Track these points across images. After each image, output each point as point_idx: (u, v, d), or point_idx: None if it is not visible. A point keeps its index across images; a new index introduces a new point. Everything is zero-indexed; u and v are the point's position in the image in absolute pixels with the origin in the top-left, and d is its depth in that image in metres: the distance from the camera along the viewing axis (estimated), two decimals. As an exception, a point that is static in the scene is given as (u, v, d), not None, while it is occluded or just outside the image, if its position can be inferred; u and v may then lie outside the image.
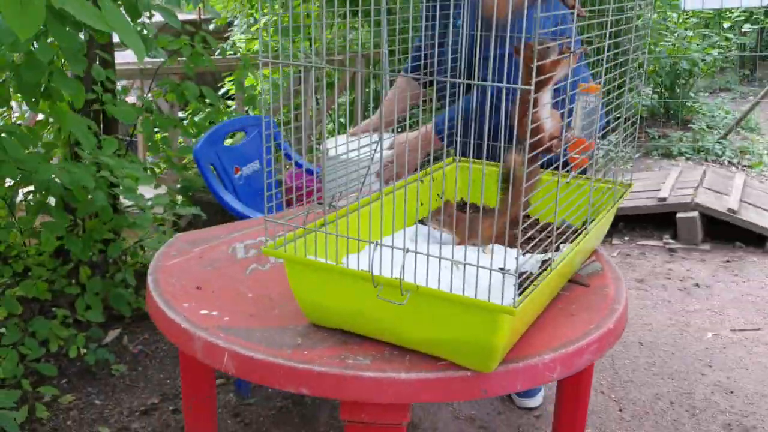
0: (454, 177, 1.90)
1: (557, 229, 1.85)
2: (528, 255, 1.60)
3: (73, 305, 2.87)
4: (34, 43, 2.45)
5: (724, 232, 4.36)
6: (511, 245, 1.59)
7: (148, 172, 3.50)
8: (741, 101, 8.89)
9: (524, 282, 1.28)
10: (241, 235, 1.83)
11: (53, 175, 2.46)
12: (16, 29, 0.96)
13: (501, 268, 1.45)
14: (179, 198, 3.82)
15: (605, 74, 1.45)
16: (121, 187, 2.69)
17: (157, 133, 3.51)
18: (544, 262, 1.51)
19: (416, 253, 1.19)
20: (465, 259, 1.16)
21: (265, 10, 4.96)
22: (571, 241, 1.50)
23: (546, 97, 1.32)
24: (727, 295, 3.70)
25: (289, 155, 2.84)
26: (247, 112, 4.98)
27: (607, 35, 1.37)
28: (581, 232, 1.52)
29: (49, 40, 2.45)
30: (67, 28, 2.37)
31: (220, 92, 6.59)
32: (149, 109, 3.53)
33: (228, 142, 3.08)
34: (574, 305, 1.49)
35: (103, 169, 2.61)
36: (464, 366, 1.22)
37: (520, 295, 1.25)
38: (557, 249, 1.64)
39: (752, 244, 4.31)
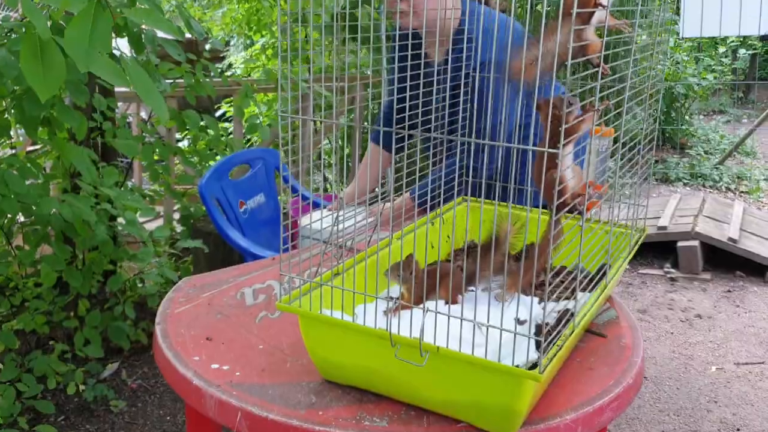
0: (465, 218, 1.87)
1: (569, 273, 1.83)
2: (545, 303, 1.57)
3: (71, 339, 2.83)
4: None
5: (725, 260, 4.36)
6: (528, 293, 1.57)
7: (147, 199, 3.47)
8: (735, 124, 8.93)
9: (545, 336, 1.25)
10: (249, 278, 1.80)
11: (55, 209, 2.42)
12: (38, 90, 0.94)
13: (519, 321, 1.42)
14: (176, 226, 3.79)
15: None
16: (123, 220, 2.66)
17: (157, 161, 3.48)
18: (563, 312, 1.48)
19: (436, 312, 1.16)
20: (488, 319, 1.14)
21: (265, 33, 4.92)
22: (589, 289, 1.48)
23: (569, 157, 1.30)
24: (729, 327, 3.68)
25: (295, 188, 2.82)
26: (248, 141, 4.96)
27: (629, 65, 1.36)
28: (599, 279, 1.49)
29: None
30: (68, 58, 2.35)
31: (217, 114, 6.58)
32: (150, 134, 3.50)
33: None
34: (593, 358, 1.46)
35: (102, 201, 2.58)
36: (485, 429, 1.19)
37: (543, 353, 1.22)
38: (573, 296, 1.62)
39: (753, 273, 4.30)
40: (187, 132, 3.57)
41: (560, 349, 1.17)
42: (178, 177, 3.38)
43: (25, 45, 0.96)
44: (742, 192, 6.28)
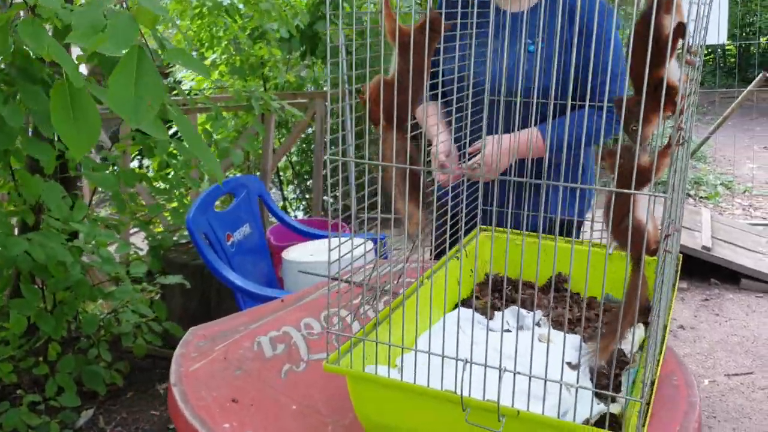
0: (488, 249, 1.77)
1: (599, 304, 1.74)
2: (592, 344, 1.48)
3: (42, 386, 2.61)
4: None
5: (699, 268, 4.38)
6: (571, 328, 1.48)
7: (115, 232, 3.27)
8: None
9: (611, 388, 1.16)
10: (262, 325, 1.65)
11: (25, 251, 2.22)
12: (71, 146, 0.79)
13: (571, 365, 1.32)
14: (139, 253, 3.59)
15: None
16: (98, 258, 2.47)
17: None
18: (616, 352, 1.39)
19: (515, 373, 1.05)
20: (579, 378, 1.03)
21: (217, 49, 4.73)
22: (640, 323, 1.39)
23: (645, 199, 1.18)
24: (713, 337, 3.68)
25: (277, 214, 2.67)
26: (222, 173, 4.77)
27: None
28: (657, 313, 1.40)
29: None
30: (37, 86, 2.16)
31: (171, 131, 6.35)
32: (114, 163, 3.30)
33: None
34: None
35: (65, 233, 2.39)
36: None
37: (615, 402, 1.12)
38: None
39: (727, 280, 4.33)
40: (154, 157, 3.39)
41: (648, 406, 1.07)
42: (149, 207, 3.18)
43: (55, 95, 0.82)
44: (701, 197, 6.38)
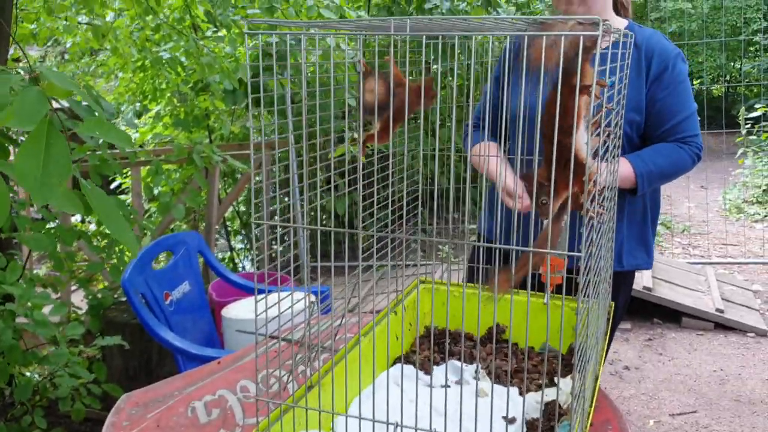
0: (428, 301, 1.78)
1: (538, 354, 1.76)
2: (530, 395, 1.49)
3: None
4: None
5: (641, 308, 4.46)
6: (504, 381, 1.48)
7: (49, 289, 3.18)
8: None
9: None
10: (197, 389, 1.61)
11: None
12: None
13: (509, 420, 1.33)
14: (78, 312, 3.50)
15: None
16: (31, 322, 2.40)
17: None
18: (549, 404, 1.41)
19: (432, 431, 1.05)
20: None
21: (160, 101, 4.72)
22: (567, 372, 1.41)
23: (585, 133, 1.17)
24: (657, 377, 3.74)
25: (217, 270, 2.64)
26: (146, 213, 4.71)
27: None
28: (583, 363, 1.42)
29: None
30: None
31: (113, 185, 6.25)
32: (53, 219, 3.24)
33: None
34: (586, 452, 1.38)
35: None
36: None
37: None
38: (551, 383, 1.55)
39: (669, 319, 4.42)
40: (93, 214, 3.33)
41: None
42: (88, 265, 3.11)
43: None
44: (642, 237, 6.53)
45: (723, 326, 4.31)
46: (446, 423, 1.14)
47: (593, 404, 1.29)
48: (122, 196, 6.10)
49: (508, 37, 1.84)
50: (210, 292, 2.93)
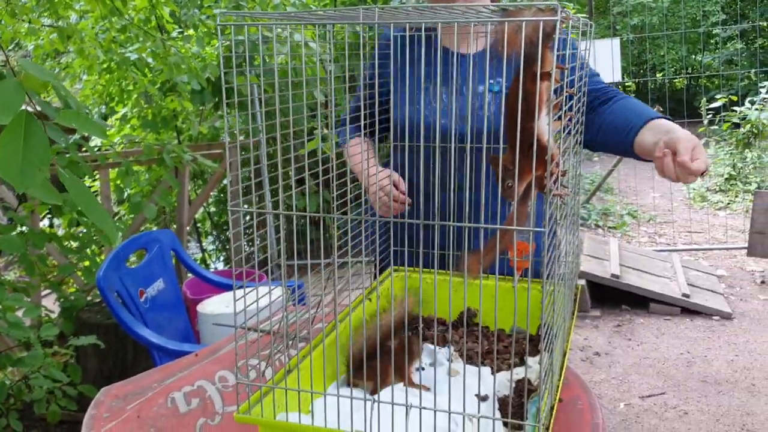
0: (400, 288, 1.82)
1: (508, 336, 1.81)
2: (501, 374, 1.54)
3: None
4: None
5: (609, 296, 4.56)
6: (476, 362, 1.53)
7: (24, 295, 3.16)
8: (588, 162, 9.51)
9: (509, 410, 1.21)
10: (176, 381, 1.63)
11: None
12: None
13: (481, 397, 1.38)
14: (51, 316, 3.47)
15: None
16: (5, 324, 2.40)
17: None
18: (520, 381, 1.45)
19: (421, 408, 1.09)
20: (478, 410, 1.07)
21: (127, 103, 4.70)
22: (536, 352, 1.45)
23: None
24: (627, 361, 3.83)
25: (191, 267, 2.65)
26: (115, 215, 4.69)
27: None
28: (549, 341, 1.47)
29: None
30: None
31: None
32: (22, 224, 3.22)
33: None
34: (556, 427, 1.43)
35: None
36: None
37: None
38: (521, 362, 1.59)
39: (637, 306, 4.52)
40: (64, 216, 3.32)
41: (548, 430, 1.13)
42: (59, 267, 3.10)
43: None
44: (609, 227, 6.66)
45: (689, 310, 4.43)
46: (421, 401, 1.18)
47: (561, 379, 1.34)
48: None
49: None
50: (184, 290, 2.94)
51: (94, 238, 3.14)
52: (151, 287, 2.50)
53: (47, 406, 2.75)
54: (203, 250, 6.12)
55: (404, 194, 1.79)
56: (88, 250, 3.38)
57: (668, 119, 1.65)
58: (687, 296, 4.44)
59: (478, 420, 1.08)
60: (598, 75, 1.85)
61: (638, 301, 4.51)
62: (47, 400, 2.77)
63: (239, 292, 1.18)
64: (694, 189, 7.89)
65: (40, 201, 3.19)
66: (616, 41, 5.79)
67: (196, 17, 4.55)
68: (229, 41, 2.73)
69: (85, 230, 3.42)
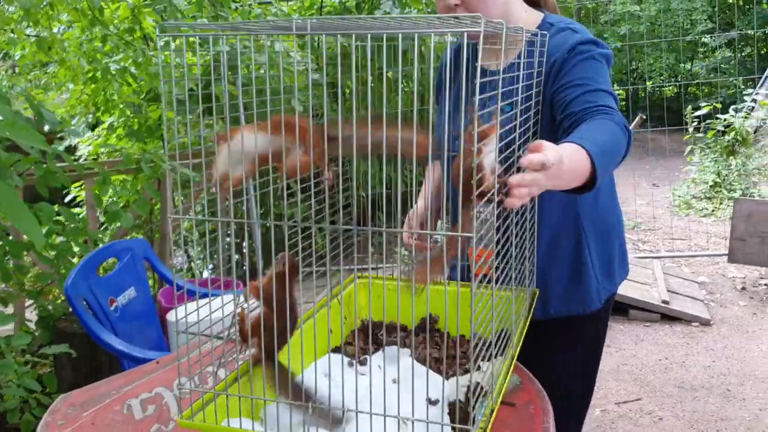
0: (364, 295, 1.84)
1: (468, 341, 1.83)
2: (454, 380, 1.55)
3: None
4: None
5: (591, 303, 4.57)
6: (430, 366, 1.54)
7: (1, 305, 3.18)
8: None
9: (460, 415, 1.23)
10: (134, 388, 1.65)
11: None
12: None
13: (431, 401, 1.39)
14: (29, 327, 3.48)
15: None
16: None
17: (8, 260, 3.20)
18: (474, 386, 1.47)
19: (357, 412, 1.10)
20: (413, 414, 1.09)
21: (114, 113, 4.71)
22: (494, 357, 1.47)
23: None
24: (605, 367, 3.84)
25: (164, 275, 2.67)
26: (102, 225, 4.70)
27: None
28: (502, 346, 1.49)
29: None
30: None
31: (67, 199, 6.20)
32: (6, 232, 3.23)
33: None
34: (507, 430, 1.45)
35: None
36: None
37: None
38: (477, 368, 1.61)
39: (617, 312, 4.54)
40: (41, 225, 3.33)
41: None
42: (37, 276, 3.11)
43: None
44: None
45: (669, 317, 4.45)
46: (371, 405, 1.20)
47: (506, 382, 1.36)
48: (77, 209, 6.06)
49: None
50: (159, 299, 2.95)
51: (73, 248, 3.15)
52: (122, 296, 2.51)
53: (21, 416, 2.76)
54: (190, 260, 6.13)
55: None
56: (68, 258, 3.39)
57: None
58: (666, 303, 4.47)
59: (413, 423, 1.10)
60: (600, 91, 1.57)
61: (618, 308, 4.53)
62: (21, 409, 2.78)
63: (195, 301, 1.20)
64: (679, 197, 7.93)
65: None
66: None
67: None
68: (206, 52, 2.74)
69: (63, 239, 3.43)
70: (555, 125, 1.65)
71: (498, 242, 1.34)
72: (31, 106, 2.49)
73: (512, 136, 1.37)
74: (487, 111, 1.13)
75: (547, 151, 1.13)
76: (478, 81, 0.99)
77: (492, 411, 1.21)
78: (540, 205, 1.77)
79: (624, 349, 4.07)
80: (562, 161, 1.15)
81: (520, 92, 1.29)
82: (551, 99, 1.67)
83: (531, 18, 1.79)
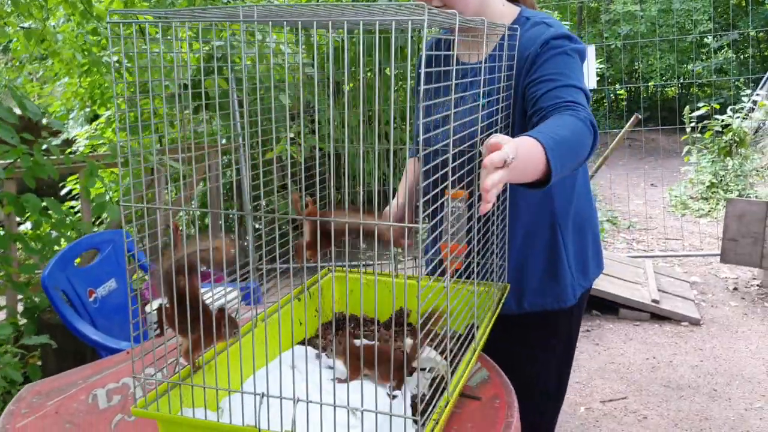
0: (331, 290, 1.84)
1: (437, 336, 1.83)
2: (419, 374, 1.55)
3: None
4: None
5: (581, 301, 4.56)
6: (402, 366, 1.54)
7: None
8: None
9: (421, 412, 1.22)
10: (102, 378, 1.65)
11: None
12: None
13: (392, 396, 1.39)
14: (20, 320, 3.48)
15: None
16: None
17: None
18: (437, 380, 1.47)
19: (308, 402, 1.10)
20: (362, 403, 1.09)
21: (110, 107, 4.72)
22: (458, 351, 1.47)
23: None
24: (592, 366, 3.84)
25: (144, 267, 2.67)
26: (98, 220, 4.71)
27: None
28: (468, 341, 1.49)
29: None
30: None
31: (63, 192, 6.20)
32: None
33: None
34: (470, 424, 1.44)
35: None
36: None
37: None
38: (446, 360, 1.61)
39: (607, 311, 4.54)
40: (28, 217, 3.33)
41: (437, 424, 1.15)
42: (21, 267, 3.11)
43: None
44: (589, 234, 6.67)
45: (659, 316, 4.44)
46: (335, 398, 1.19)
47: (464, 375, 1.36)
48: (74, 202, 6.07)
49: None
50: (144, 290, 2.94)
51: (56, 236, 3.15)
52: (101, 287, 2.51)
53: (2, 407, 2.76)
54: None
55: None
56: (53, 248, 3.39)
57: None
58: (657, 302, 4.46)
59: (362, 413, 1.09)
60: (571, 87, 1.57)
61: (609, 307, 4.52)
62: (3, 401, 2.78)
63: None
64: (676, 197, 7.91)
65: (8, 202, 3.20)
66: (591, 48, 5.81)
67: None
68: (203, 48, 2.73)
69: (50, 230, 3.43)
70: (526, 119, 1.66)
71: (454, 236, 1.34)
72: (14, 97, 2.49)
73: (475, 129, 1.37)
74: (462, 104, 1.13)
75: (505, 146, 1.13)
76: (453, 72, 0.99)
77: (447, 403, 1.21)
78: (515, 200, 1.77)
79: (612, 348, 4.06)
80: (518, 155, 1.15)
81: (481, 85, 1.29)
82: (523, 93, 1.68)
83: (508, 12, 1.80)
